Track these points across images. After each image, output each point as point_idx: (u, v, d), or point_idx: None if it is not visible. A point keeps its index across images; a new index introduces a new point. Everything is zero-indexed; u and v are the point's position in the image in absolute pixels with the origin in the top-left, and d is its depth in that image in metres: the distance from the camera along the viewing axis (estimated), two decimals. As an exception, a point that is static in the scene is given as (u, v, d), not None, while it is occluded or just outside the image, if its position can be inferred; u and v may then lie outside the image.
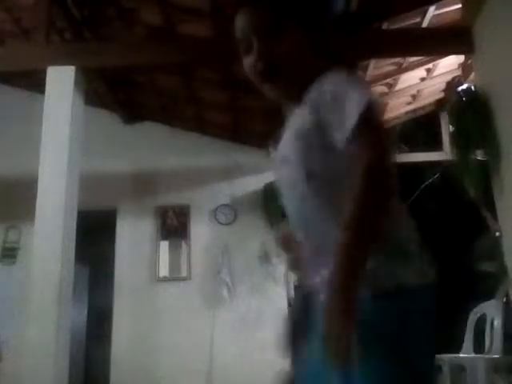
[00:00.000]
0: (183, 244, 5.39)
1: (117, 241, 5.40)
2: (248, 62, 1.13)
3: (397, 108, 5.69)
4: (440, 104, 5.63)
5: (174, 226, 5.44)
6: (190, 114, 5.51)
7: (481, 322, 3.97)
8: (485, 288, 4.39)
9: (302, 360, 1.09)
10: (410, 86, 5.11)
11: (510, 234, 3.39)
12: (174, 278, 5.28)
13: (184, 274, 5.28)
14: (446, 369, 3.72)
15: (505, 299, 3.71)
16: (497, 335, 3.61)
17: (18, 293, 4.54)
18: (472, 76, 4.41)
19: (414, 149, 6.48)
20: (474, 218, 5.17)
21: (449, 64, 4.75)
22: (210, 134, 5.63)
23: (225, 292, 5.12)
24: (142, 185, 5.57)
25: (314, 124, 1.01)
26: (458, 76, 4.97)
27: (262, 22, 1.11)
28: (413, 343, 0.92)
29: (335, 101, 0.97)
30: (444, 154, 5.51)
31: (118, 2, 4.12)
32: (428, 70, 4.82)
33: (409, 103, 5.61)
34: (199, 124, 5.64)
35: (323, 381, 0.94)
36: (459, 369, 3.68)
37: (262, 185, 5.10)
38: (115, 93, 5.23)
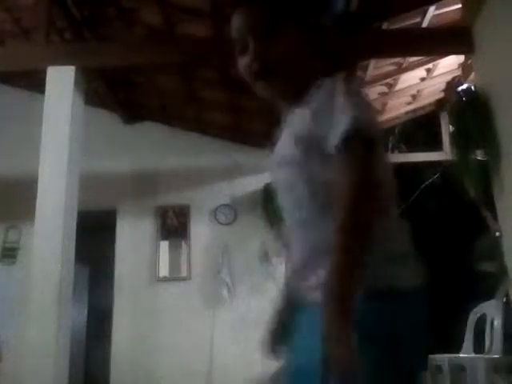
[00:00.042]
0: (183, 244, 5.39)
1: (117, 241, 5.40)
2: (243, 62, 1.13)
3: (397, 108, 5.69)
4: (440, 104, 5.64)
5: (174, 225, 5.44)
6: (190, 114, 5.52)
7: (481, 322, 3.97)
8: (485, 288, 4.39)
9: (287, 360, 1.09)
10: (409, 86, 5.11)
11: (510, 234, 3.39)
12: (174, 278, 5.28)
13: (184, 274, 5.28)
14: (445, 369, 3.72)
15: (505, 299, 3.71)
16: (497, 335, 3.61)
17: (18, 293, 4.54)
18: (472, 76, 4.41)
19: (413, 149, 6.49)
20: (474, 218, 5.17)
21: (449, 64, 4.75)
22: (210, 134, 5.63)
23: (225, 292, 5.12)
24: (142, 185, 5.56)
25: (313, 130, 1.02)
26: (458, 76, 4.97)
27: (258, 22, 1.11)
28: (404, 343, 0.93)
29: (329, 111, 0.98)
30: (444, 153, 5.52)
31: (118, 2, 4.12)
32: (428, 70, 4.82)
33: (409, 103, 5.61)
34: (199, 124, 5.64)
35: (309, 381, 0.95)
36: (459, 369, 3.68)
37: (262, 185, 5.10)
38: (115, 93, 5.23)
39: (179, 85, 4.97)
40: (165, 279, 5.28)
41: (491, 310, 3.83)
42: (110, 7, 4.19)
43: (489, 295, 3.98)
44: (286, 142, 1.10)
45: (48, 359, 3.26)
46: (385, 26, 3.96)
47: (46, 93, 3.74)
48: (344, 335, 0.84)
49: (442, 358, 3.83)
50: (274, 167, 1.14)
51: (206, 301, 5.17)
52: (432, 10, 3.88)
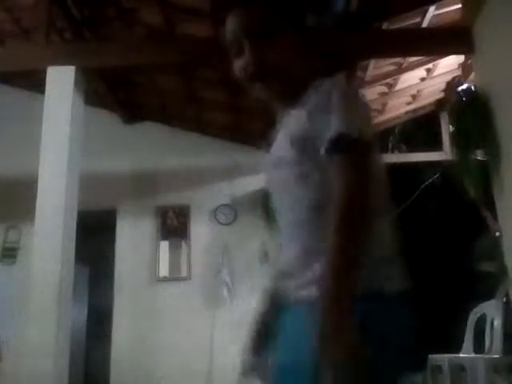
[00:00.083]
0: (183, 244, 5.39)
1: (117, 241, 5.40)
2: (239, 64, 1.12)
3: (397, 108, 5.69)
4: (440, 104, 5.64)
5: (173, 226, 5.44)
6: (190, 114, 5.51)
7: (481, 322, 3.97)
8: (485, 288, 4.39)
9: (271, 361, 1.09)
10: (409, 86, 5.11)
11: (510, 234, 3.39)
12: (174, 278, 5.28)
13: (184, 274, 5.28)
14: (445, 369, 3.72)
15: (505, 299, 3.71)
16: (497, 335, 3.61)
17: (18, 293, 4.54)
18: (472, 76, 4.41)
19: (413, 149, 6.48)
20: (474, 218, 5.17)
21: (449, 64, 4.75)
22: (210, 134, 5.63)
23: (225, 292, 5.12)
24: (142, 185, 5.56)
25: (309, 130, 1.02)
26: (458, 76, 4.97)
27: (254, 24, 1.10)
28: (388, 347, 0.93)
29: (325, 112, 0.99)
30: (444, 153, 5.52)
31: (118, 2, 4.12)
32: (428, 70, 4.82)
33: (409, 103, 5.61)
34: (199, 124, 5.64)
35: (295, 381, 0.95)
36: (459, 369, 3.68)
37: (262, 185, 5.10)
38: (115, 93, 5.23)
39: (179, 85, 4.97)
40: (165, 279, 5.28)
41: (491, 310, 3.83)
42: (110, 7, 4.19)
43: (489, 295, 3.99)
44: (281, 143, 1.10)
45: (48, 359, 3.26)
46: (385, 26, 3.96)
47: (46, 93, 3.74)
48: (340, 335, 0.84)
49: (442, 358, 3.83)
50: (269, 168, 1.14)
51: (206, 301, 5.17)
52: (432, 10, 3.88)
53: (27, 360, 3.30)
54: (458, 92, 3.87)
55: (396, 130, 6.90)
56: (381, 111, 5.55)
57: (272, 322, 1.14)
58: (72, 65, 3.79)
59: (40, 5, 3.99)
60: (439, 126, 5.70)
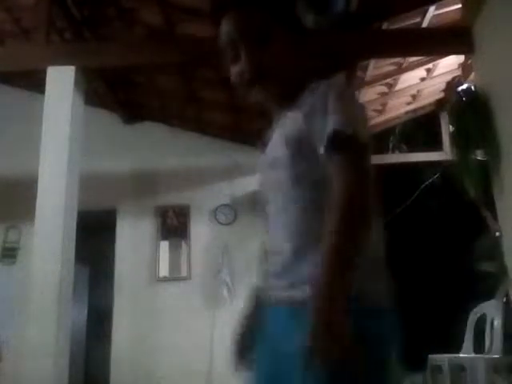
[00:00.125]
0: (183, 244, 5.39)
1: (117, 241, 5.40)
2: (235, 70, 1.12)
3: (397, 108, 5.69)
4: (440, 104, 5.64)
5: (173, 225, 5.44)
6: (190, 114, 5.51)
7: (481, 322, 3.97)
8: (485, 288, 4.39)
9: (257, 363, 1.08)
10: (409, 86, 5.11)
11: (510, 234, 3.39)
12: (174, 278, 5.28)
13: (184, 273, 5.28)
14: (445, 369, 3.72)
15: (505, 299, 3.71)
16: (497, 335, 3.61)
17: (18, 293, 4.54)
18: (472, 76, 4.41)
19: (414, 149, 6.48)
20: (474, 218, 5.17)
21: (449, 64, 4.75)
22: (210, 134, 5.63)
23: (225, 292, 5.12)
24: (142, 185, 5.56)
25: (305, 131, 1.02)
26: (458, 76, 4.97)
27: (250, 27, 1.09)
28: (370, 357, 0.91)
29: (322, 113, 0.99)
30: (444, 153, 5.51)
31: (118, 2, 4.12)
32: (428, 70, 4.82)
33: (409, 103, 5.61)
34: (199, 124, 5.64)
35: (280, 382, 0.94)
36: (459, 369, 3.68)
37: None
38: (115, 93, 5.23)
39: (179, 85, 4.96)
40: (165, 279, 5.28)
41: (491, 310, 3.83)
42: (110, 7, 4.19)
43: (489, 295, 3.99)
44: (277, 144, 1.10)
45: (48, 359, 3.26)
46: (385, 26, 3.96)
47: (46, 93, 3.74)
48: (334, 335, 0.83)
49: (442, 358, 3.83)
50: (264, 168, 1.14)
51: (206, 301, 5.17)
52: (432, 10, 3.88)
53: (27, 360, 3.30)
54: (458, 92, 3.87)
55: (396, 130, 6.91)
56: (381, 111, 5.55)
57: (256, 324, 1.13)
58: (72, 65, 3.79)
59: (40, 5, 3.99)
60: (439, 126, 5.70)
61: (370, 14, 3.72)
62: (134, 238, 5.43)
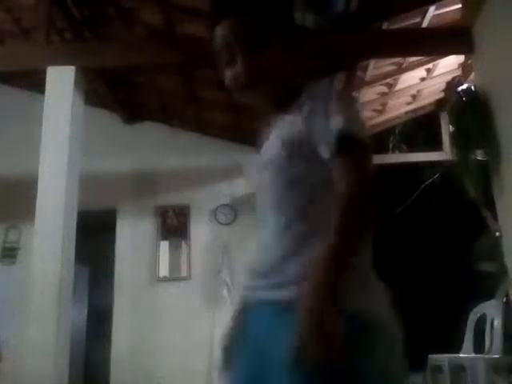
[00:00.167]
0: (183, 244, 5.39)
1: (117, 241, 5.40)
2: (230, 74, 1.11)
3: (397, 108, 5.69)
4: (440, 104, 5.63)
5: (173, 225, 5.44)
6: (190, 114, 5.51)
7: (481, 322, 3.97)
8: (485, 288, 4.39)
9: (243, 365, 1.08)
10: (409, 86, 5.11)
11: (510, 234, 3.39)
12: (174, 278, 5.28)
13: (184, 273, 5.28)
14: (445, 369, 3.72)
15: (505, 299, 3.71)
16: (497, 335, 3.61)
17: (18, 293, 4.54)
18: (472, 76, 4.41)
19: (413, 149, 6.48)
20: (474, 218, 5.17)
21: (449, 64, 4.75)
22: (210, 134, 5.63)
23: (225, 292, 5.12)
24: (142, 185, 5.57)
25: (305, 133, 1.02)
26: (458, 76, 4.96)
27: (246, 31, 1.08)
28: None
29: (321, 115, 0.99)
30: (444, 153, 5.51)
31: (117, 2, 4.12)
32: (428, 70, 4.81)
33: (409, 103, 5.61)
34: (199, 124, 5.64)
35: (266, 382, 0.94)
36: (459, 369, 3.68)
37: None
38: (115, 93, 5.23)
39: (179, 85, 4.97)
40: (165, 279, 5.28)
41: (491, 310, 3.83)
42: (110, 7, 4.19)
43: (489, 295, 3.99)
44: (273, 145, 1.10)
45: (48, 359, 3.26)
46: (385, 26, 3.96)
47: (46, 93, 3.74)
48: (325, 335, 0.83)
49: (442, 358, 3.83)
50: (259, 169, 1.14)
51: (206, 301, 5.17)
52: (432, 10, 3.88)
53: (27, 360, 3.30)
54: (458, 92, 3.87)
55: (396, 130, 6.91)
56: (381, 111, 5.55)
57: (242, 326, 1.13)
58: (72, 65, 3.79)
59: (40, 5, 3.99)
60: (439, 126, 5.69)
61: (370, 13, 3.72)
62: (133, 238, 5.44)
